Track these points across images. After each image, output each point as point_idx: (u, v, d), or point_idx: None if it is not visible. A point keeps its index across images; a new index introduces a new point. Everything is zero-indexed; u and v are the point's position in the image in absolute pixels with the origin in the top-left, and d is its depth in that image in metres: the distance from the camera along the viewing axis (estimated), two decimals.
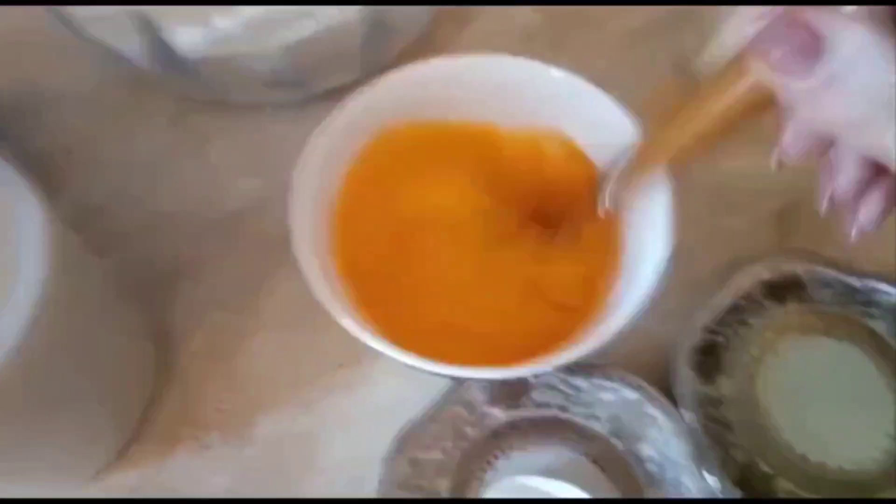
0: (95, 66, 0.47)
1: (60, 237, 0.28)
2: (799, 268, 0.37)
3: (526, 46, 0.47)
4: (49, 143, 0.45)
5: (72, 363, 0.30)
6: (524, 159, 0.37)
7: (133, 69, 0.40)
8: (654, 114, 0.31)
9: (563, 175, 0.36)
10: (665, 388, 0.34)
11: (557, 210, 0.35)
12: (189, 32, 0.33)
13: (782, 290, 0.36)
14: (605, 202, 0.33)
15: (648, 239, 0.33)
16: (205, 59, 0.35)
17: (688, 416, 0.33)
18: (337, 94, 0.35)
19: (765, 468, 0.33)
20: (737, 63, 0.24)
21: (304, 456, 0.37)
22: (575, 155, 0.36)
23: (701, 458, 0.32)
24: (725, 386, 0.34)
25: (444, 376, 0.31)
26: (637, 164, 0.31)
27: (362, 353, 0.39)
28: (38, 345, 0.27)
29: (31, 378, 0.28)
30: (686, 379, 0.34)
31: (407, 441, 0.34)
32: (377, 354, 0.30)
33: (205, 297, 0.41)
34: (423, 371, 0.30)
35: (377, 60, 0.42)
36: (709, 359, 0.35)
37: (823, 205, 0.26)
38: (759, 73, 0.23)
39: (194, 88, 0.41)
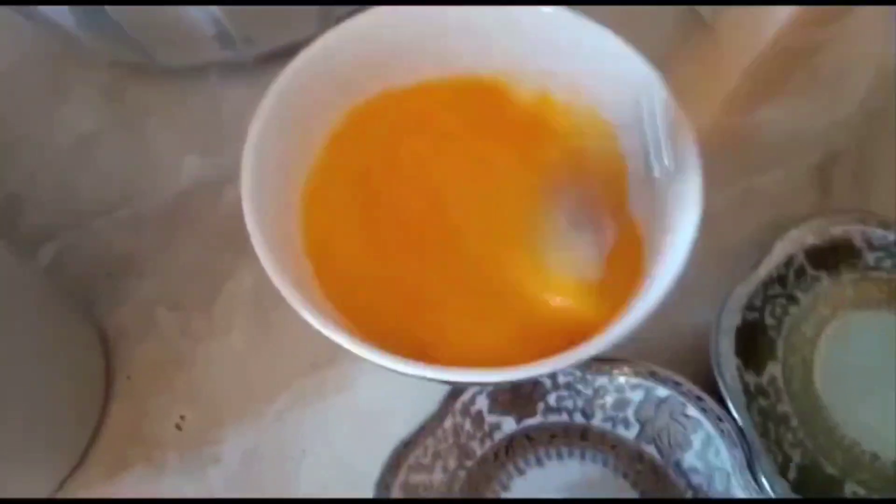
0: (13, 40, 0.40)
1: None
2: (850, 230, 0.31)
3: None
4: None
5: None
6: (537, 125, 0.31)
7: (58, 37, 0.34)
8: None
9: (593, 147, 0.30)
10: (704, 381, 0.28)
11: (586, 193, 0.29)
12: None
13: (832, 257, 0.31)
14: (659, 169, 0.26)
15: (671, 205, 0.27)
16: (129, 10, 0.28)
17: (736, 412, 0.27)
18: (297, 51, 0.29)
19: (830, 469, 0.28)
20: None
21: (277, 475, 0.32)
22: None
23: (756, 464, 0.27)
24: (777, 374, 0.29)
25: (438, 381, 0.25)
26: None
27: (339, 352, 0.33)
28: None
29: None
30: (730, 369, 0.28)
31: (400, 461, 0.28)
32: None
33: (152, 296, 0.35)
34: (411, 376, 0.24)
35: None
36: (755, 343, 0.29)
37: None
38: None
39: (125, 50, 0.34)
